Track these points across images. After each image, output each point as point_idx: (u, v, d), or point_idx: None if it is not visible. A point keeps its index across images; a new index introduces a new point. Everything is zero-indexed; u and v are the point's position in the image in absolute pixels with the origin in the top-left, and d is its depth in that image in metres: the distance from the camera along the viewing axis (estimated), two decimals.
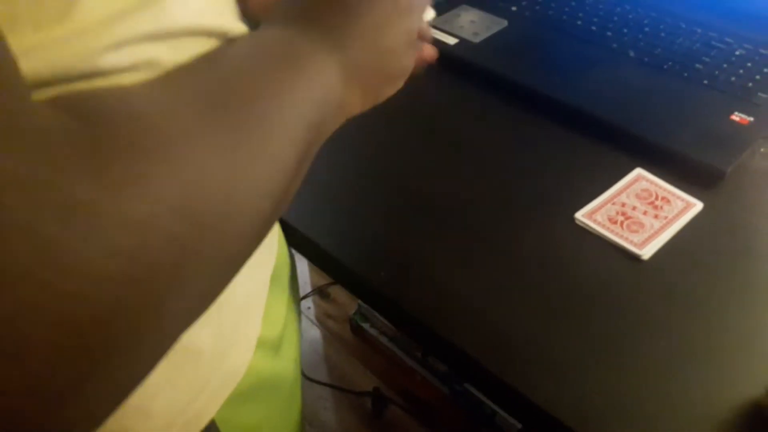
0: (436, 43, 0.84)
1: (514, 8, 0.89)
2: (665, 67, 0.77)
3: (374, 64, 0.39)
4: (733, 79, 0.74)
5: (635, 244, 0.57)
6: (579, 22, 0.85)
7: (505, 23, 0.86)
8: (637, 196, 0.62)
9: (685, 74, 0.75)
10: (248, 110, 0.29)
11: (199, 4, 0.34)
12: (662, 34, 0.82)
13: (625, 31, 0.83)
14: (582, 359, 0.49)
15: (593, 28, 0.84)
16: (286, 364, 0.54)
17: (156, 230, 0.23)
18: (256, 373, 0.47)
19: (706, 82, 0.74)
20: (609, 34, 0.83)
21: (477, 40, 0.84)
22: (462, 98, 0.78)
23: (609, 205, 0.62)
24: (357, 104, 0.39)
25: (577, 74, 0.76)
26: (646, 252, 0.57)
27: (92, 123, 0.23)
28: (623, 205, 0.62)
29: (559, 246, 0.58)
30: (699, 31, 0.82)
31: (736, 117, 0.69)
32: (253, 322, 0.48)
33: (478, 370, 0.50)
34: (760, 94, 0.72)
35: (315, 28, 0.36)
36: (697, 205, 0.61)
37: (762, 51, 0.78)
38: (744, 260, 0.57)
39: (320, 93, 0.35)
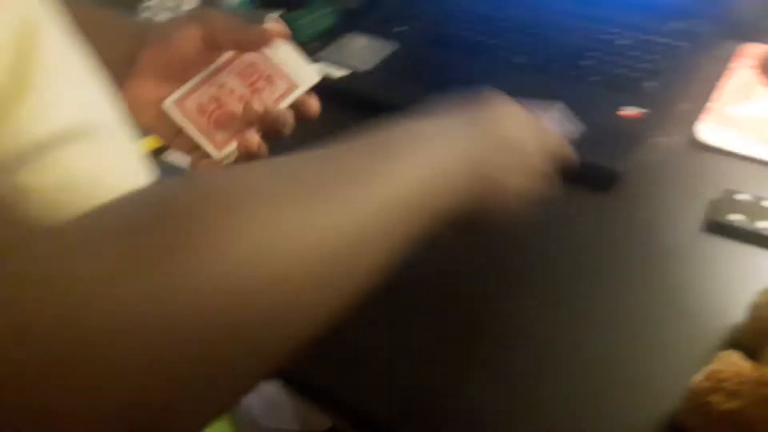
0: (325, 79, 0.83)
1: (401, 28, 0.88)
2: (553, 68, 0.77)
3: (500, 162, 0.40)
4: (620, 71, 0.75)
5: (216, 143, 0.48)
6: (465, 34, 0.85)
7: (394, 46, 0.85)
8: (240, 73, 0.50)
9: (572, 73, 0.76)
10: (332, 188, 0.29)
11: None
12: (547, 34, 0.83)
13: (511, 36, 0.83)
14: (477, 398, 0.48)
15: (480, 38, 0.84)
16: None
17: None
18: None
19: (594, 78, 0.74)
20: (495, 41, 0.82)
21: (367, 67, 0.83)
22: (354, 129, 0.77)
23: (205, 86, 0.49)
24: (469, 199, 0.38)
25: (466, 88, 0.76)
26: (224, 154, 0.49)
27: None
28: (221, 86, 0.50)
29: None
30: (582, 25, 0.83)
31: (626, 111, 0.69)
32: None
33: None
34: (646, 83, 0.72)
35: (446, 121, 0.40)
36: (301, 87, 0.52)
37: (645, 37, 0.79)
38: (642, 258, 0.56)
39: (431, 173, 0.34)
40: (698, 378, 0.43)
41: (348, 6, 0.97)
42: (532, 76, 0.77)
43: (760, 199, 0.57)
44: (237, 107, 0.50)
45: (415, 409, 0.48)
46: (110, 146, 0.36)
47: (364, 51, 0.85)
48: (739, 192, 0.58)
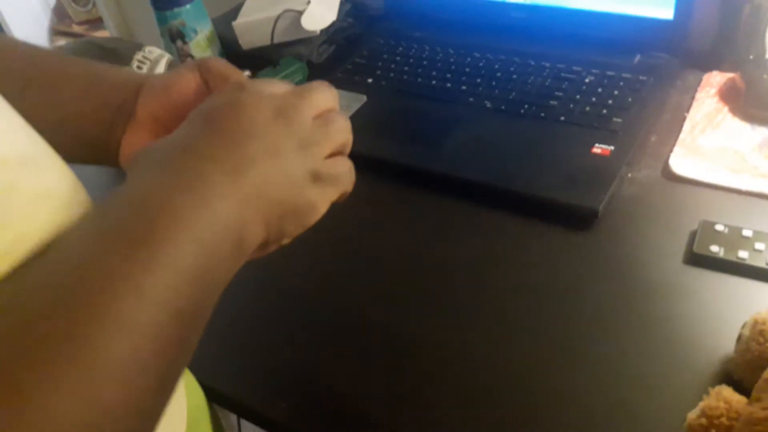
0: None
1: (370, 80, 0.89)
2: (522, 111, 0.78)
3: (273, 193, 0.35)
4: (587, 108, 0.76)
5: None
6: (434, 82, 0.86)
7: (364, 98, 0.86)
8: None
9: (542, 114, 0.76)
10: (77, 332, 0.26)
11: None
12: (514, 76, 0.84)
13: (479, 81, 0.84)
14: None
15: (448, 85, 0.85)
16: None
17: None
18: None
19: (563, 118, 0.75)
20: (464, 88, 0.83)
21: None
22: None
23: None
24: (259, 236, 0.35)
25: (439, 138, 0.76)
26: None
27: None
28: None
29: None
30: (548, 65, 0.84)
31: (597, 149, 0.70)
32: None
33: None
34: (615, 119, 0.73)
35: (195, 164, 0.33)
36: None
37: (609, 73, 0.80)
38: (626, 295, 0.56)
39: (207, 236, 0.31)
40: (693, 415, 0.43)
41: (316, 60, 0.98)
42: (503, 119, 0.77)
43: (738, 229, 0.58)
44: None
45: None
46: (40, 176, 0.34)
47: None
48: (716, 223, 0.59)
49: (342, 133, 0.39)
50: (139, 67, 0.91)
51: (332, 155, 0.39)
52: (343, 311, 0.60)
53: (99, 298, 0.27)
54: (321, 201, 0.38)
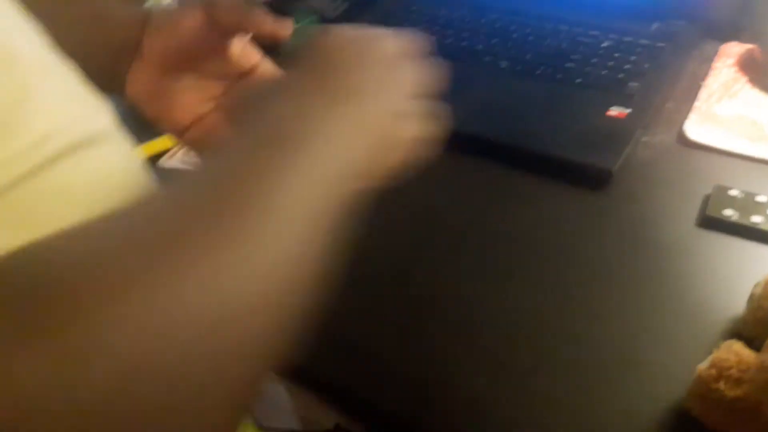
0: None
1: None
2: (538, 72, 0.77)
3: (376, 121, 0.37)
4: (604, 72, 0.75)
5: None
6: (449, 41, 0.85)
7: None
8: None
9: (558, 76, 0.76)
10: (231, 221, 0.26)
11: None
12: (530, 38, 0.83)
13: (495, 41, 0.83)
14: (484, 392, 0.48)
15: (463, 44, 0.84)
16: None
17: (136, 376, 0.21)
18: None
19: (579, 80, 0.75)
20: (480, 47, 0.83)
21: None
22: None
23: None
24: (364, 166, 0.35)
25: (453, 96, 0.75)
26: None
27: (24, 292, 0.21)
28: None
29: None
30: (564, 28, 0.83)
31: (613, 112, 0.69)
32: None
33: None
34: (631, 83, 0.73)
35: (301, 99, 0.35)
36: None
37: (626, 39, 0.80)
38: (638, 255, 0.56)
39: (324, 166, 0.32)
40: (703, 366, 0.44)
41: (329, 15, 0.96)
42: (519, 80, 0.77)
43: (752, 194, 0.58)
44: None
45: (421, 402, 0.48)
46: (107, 155, 0.35)
47: None
48: (730, 188, 0.59)
49: (412, 75, 0.41)
50: None
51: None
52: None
53: (249, 190, 0.28)
54: (406, 136, 0.40)
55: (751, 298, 0.48)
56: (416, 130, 0.40)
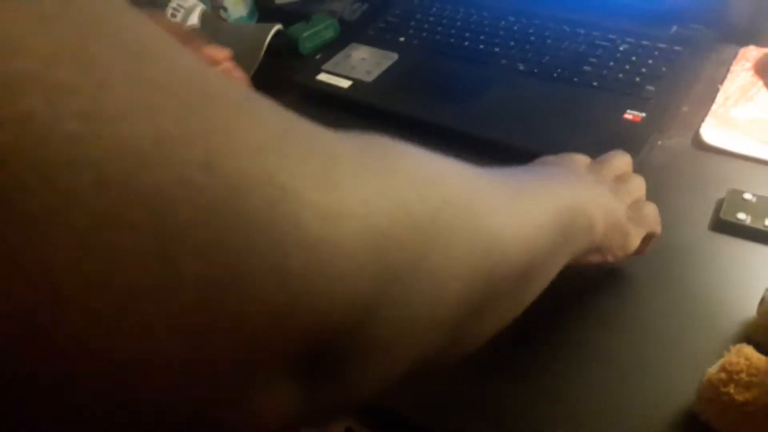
0: (330, 87, 0.83)
1: (402, 39, 0.89)
2: (555, 75, 0.78)
3: (608, 205, 0.45)
4: (620, 76, 0.76)
5: None
6: (466, 43, 0.86)
7: (395, 56, 0.86)
8: None
9: (575, 79, 0.76)
10: (525, 189, 0.37)
11: None
12: (548, 41, 0.83)
13: (512, 44, 0.84)
14: (493, 396, 0.49)
15: (481, 46, 0.85)
16: None
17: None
18: None
19: (595, 83, 0.75)
20: (497, 50, 0.83)
21: (370, 78, 0.83)
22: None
23: None
24: (597, 231, 0.43)
25: (470, 98, 0.77)
26: None
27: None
28: None
29: None
30: (582, 32, 0.84)
31: (629, 115, 0.70)
32: None
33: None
34: (648, 87, 0.73)
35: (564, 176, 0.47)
36: None
37: (644, 42, 0.80)
38: (651, 258, 0.57)
39: (570, 201, 0.40)
40: (713, 370, 0.44)
41: (348, 18, 0.98)
42: (536, 82, 0.78)
43: (766, 198, 0.58)
44: None
45: (438, 406, 0.49)
46: None
47: (366, 62, 0.86)
48: (745, 191, 0.59)
49: (640, 188, 0.51)
50: (173, 15, 0.91)
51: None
52: None
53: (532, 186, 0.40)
54: (635, 233, 0.48)
55: (763, 302, 0.49)
56: (640, 228, 0.48)
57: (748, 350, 0.44)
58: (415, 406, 0.49)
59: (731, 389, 0.42)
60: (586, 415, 0.46)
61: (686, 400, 0.46)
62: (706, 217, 0.59)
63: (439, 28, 0.90)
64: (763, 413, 0.41)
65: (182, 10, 0.91)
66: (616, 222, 0.45)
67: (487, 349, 0.52)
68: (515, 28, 0.87)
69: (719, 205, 0.59)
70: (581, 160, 0.50)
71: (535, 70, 0.79)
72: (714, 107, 0.71)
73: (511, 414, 0.48)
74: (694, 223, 0.59)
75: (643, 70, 0.76)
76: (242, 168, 0.17)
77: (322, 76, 0.85)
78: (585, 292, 0.55)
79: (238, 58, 0.89)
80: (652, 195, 0.62)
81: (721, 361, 0.44)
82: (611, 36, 0.82)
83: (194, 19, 0.92)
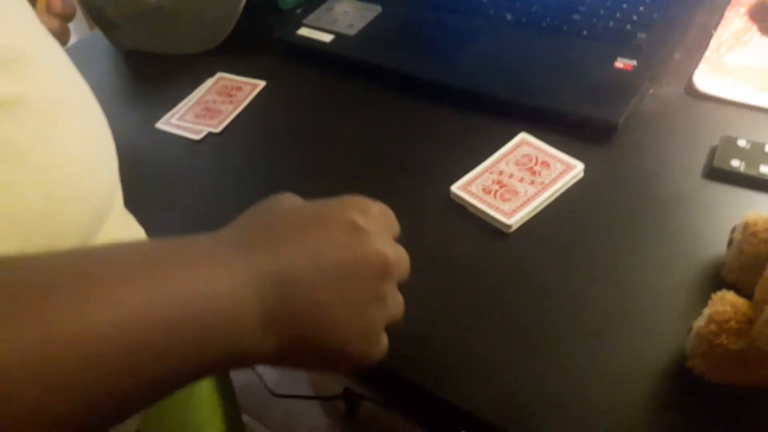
0: (311, 42, 0.81)
1: None
2: (543, 24, 0.75)
3: (308, 315, 0.32)
4: (611, 24, 0.73)
5: (504, 213, 0.56)
6: None
7: (378, 9, 0.83)
8: (517, 162, 0.61)
9: (564, 28, 0.74)
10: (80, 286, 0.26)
11: None
12: None
13: None
14: (488, 351, 0.47)
15: None
16: None
17: None
18: None
19: (585, 32, 0.73)
20: (484, 0, 0.80)
21: (353, 32, 0.80)
22: (349, 95, 0.75)
23: (486, 174, 0.60)
24: (265, 350, 0.31)
25: (457, 50, 0.74)
26: (514, 220, 0.55)
27: None
28: (501, 173, 0.60)
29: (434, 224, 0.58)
30: None
31: (619, 63, 0.68)
32: None
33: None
34: (639, 34, 0.71)
35: (244, 243, 0.32)
36: (577, 167, 0.59)
37: None
38: (643, 208, 0.55)
39: (203, 296, 0.29)
40: (700, 323, 0.43)
41: None
42: (525, 32, 0.75)
43: (761, 144, 0.56)
44: (518, 186, 0.57)
45: (422, 359, 0.48)
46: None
47: (348, 15, 0.83)
48: (738, 138, 0.57)
49: (398, 310, 0.38)
50: None
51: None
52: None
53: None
54: (368, 355, 0.35)
55: (731, 244, 0.48)
56: (370, 350, 0.36)
57: (731, 296, 0.43)
58: (411, 365, 0.48)
59: (723, 339, 0.41)
60: (579, 372, 0.45)
61: (677, 348, 0.45)
62: (699, 165, 0.58)
63: None
64: (760, 357, 0.40)
65: None
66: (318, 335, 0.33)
67: (474, 305, 0.51)
68: None
69: (713, 152, 0.58)
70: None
71: (524, 20, 0.76)
72: (707, 54, 0.69)
73: (505, 368, 0.46)
74: (688, 172, 0.57)
75: (634, 17, 0.73)
76: None
77: (303, 31, 0.82)
78: (576, 243, 0.54)
79: (216, 15, 0.86)
80: (644, 145, 0.61)
81: (706, 312, 0.43)
82: None
83: None
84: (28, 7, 0.39)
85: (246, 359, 0.31)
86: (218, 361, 0.30)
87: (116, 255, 0.30)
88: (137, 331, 0.26)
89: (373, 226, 0.35)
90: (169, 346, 0.27)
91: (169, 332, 0.27)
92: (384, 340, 0.37)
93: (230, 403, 0.68)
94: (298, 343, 0.32)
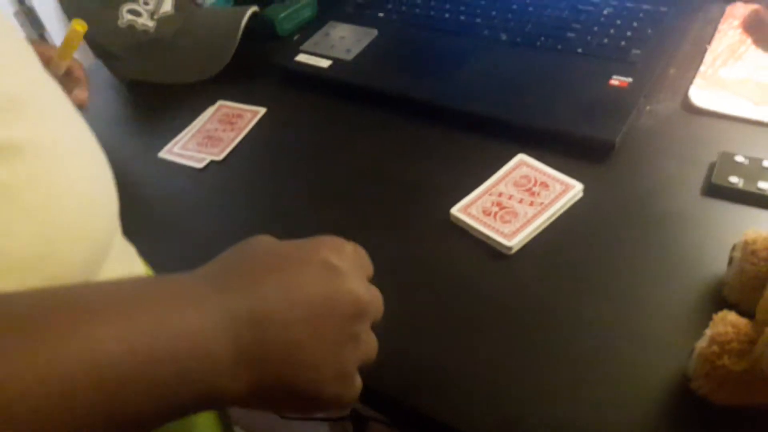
0: (310, 68, 0.81)
1: (381, 14, 0.87)
2: (538, 43, 0.76)
3: (282, 354, 0.32)
4: (605, 41, 0.74)
5: (504, 235, 0.56)
6: (447, 15, 0.83)
7: (375, 32, 0.84)
8: (516, 183, 0.61)
9: (559, 47, 0.74)
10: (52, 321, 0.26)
11: None
12: (530, 9, 0.81)
13: (494, 14, 0.82)
14: (481, 369, 0.48)
15: (462, 18, 0.82)
16: None
17: None
18: None
19: (580, 50, 0.73)
20: (479, 21, 0.81)
21: (350, 57, 0.81)
22: (348, 119, 0.76)
23: (486, 196, 0.60)
24: (239, 390, 0.31)
25: (453, 70, 0.75)
26: (515, 242, 0.55)
27: None
28: (500, 194, 0.60)
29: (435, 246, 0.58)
30: None
31: (615, 81, 0.68)
32: None
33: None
34: (634, 51, 0.71)
35: (222, 283, 0.32)
36: (576, 187, 0.59)
37: (628, 5, 0.78)
38: (643, 227, 0.56)
39: (177, 335, 0.29)
40: (703, 344, 0.43)
41: None
42: (520, 52, 0.76)
43: (759, 160, 0.57)
44: (518, 208, 0.58)
45: (425, 383, 0.48)
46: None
47: (345, 40, 0.84)
48: (736, 154, 0.57)
49: (371, 350, 0.38)
50: (146, 2, 0.89)
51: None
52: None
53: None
54: (340, 398, 0.35)
55: (731, 262, 0.48)
56: (343, 394, 0.35)
57: (732, 317, 0.43)
58: (414, 389, 0.48)
59: (726, 361, 0.41)
60: (583, 393, 0.45)
61: (678, 366, 0.45)
62: (698, 181, 0.58)
63: (418, 1, 0.88)
64: (762, 378, 0.40)
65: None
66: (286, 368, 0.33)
67: (480, 325, 0.51)
68: None
69: (711, 168, 0.58)
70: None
71: (518, 40, 0.77)
72: (702, 68, 0.70)
73: (509, 391, 0.47)
74: (686, 189, 0.58)
75: (629, 33, 0.74)
76: None
77: (302, 57, 0.83)
78: (576, 263, 0.54)
79: (214, 44, 0.87)
80: (643, 163, 0.61)
81: (708, 333, 0.43)
82: (595, 0, 0.80)
83: (167, 6, 0.90)
84: (27, 48, 0.39)
85: (221, 399, 0.31)
86: (192, 400, 0.30)
87: (94, 293, 0.30)
88: (111, 369, 0.26)
89: (348, 266, 0.36)
90: (143, 384, 0.27)
91: (144, 370, 0.27)
92: (358, 381, 0.37)
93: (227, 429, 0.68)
94: (272, 382, 0.32)
